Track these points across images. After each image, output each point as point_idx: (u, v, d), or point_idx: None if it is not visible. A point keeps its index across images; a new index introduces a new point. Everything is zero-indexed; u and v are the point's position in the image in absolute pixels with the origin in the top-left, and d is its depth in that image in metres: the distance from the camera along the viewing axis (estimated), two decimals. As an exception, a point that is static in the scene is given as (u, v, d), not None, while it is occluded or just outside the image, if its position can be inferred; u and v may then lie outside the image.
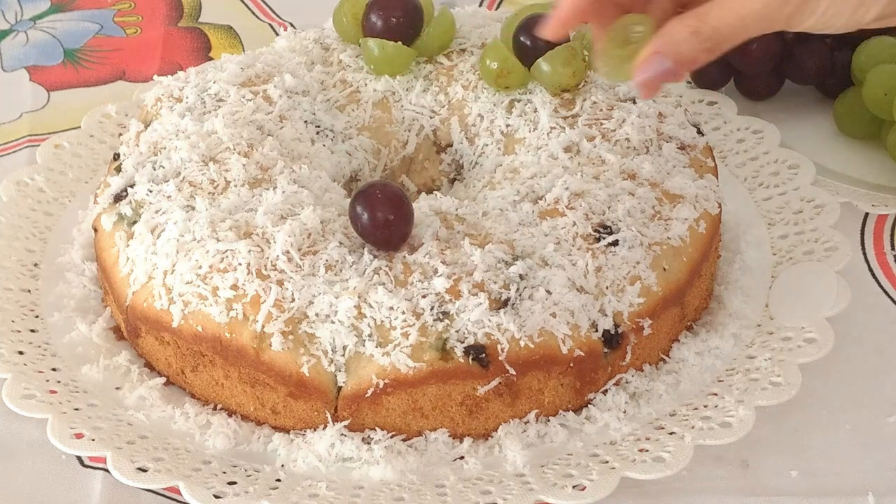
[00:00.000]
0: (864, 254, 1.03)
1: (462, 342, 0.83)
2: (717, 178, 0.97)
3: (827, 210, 1.02)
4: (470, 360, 0.83)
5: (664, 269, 0.89)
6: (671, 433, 0.85)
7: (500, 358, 0.84)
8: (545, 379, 0.86)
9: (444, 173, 1.03)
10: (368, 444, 0.85)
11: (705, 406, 0.88)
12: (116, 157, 1.00)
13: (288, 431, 0.87)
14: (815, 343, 0.91)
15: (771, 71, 1.16)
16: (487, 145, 1.00)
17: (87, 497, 0.85)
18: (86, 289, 0.98)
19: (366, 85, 1.03)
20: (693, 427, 0.85)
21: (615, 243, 0.88)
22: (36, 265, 1.01)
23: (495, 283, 0.85)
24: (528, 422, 0.87)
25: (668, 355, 0.92)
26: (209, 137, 0.96)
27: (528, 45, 0.99)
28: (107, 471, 0.84)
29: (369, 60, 1.03)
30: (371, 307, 0.84)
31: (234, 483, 0.83)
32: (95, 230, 0.97)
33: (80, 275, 0.99)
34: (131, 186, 0.94)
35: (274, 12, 1.35)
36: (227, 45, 1.30)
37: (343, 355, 0.84)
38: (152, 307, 0.89)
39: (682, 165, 0.95)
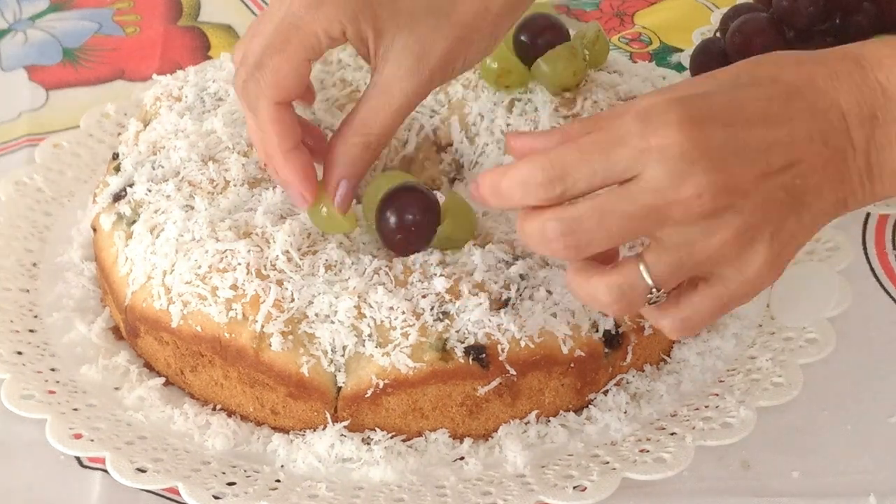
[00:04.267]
0: (866, 254, 1.03)
1: (462, 342, 0.83)
2: (718, 177, 0.97)
3: (828, 210, 1.02)
4: (470, 360, 0.83)
5: (665, 268, 0.89)
6: (672, 434, 0.85)
7: (500, 358, 0.83)
8: (546, 379, 0.86)
9: (444, 173, 1.03)
10: (368, 444, 0.85)
11: (706, 406, 0.87)
12: (115, 156, 0.99)
13: (287, 432, 0.87)
14: (816, 343, 0.91)
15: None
16: (488, 144, 0.99)
17: (86, 497, 0.85)
18: (85, 289, 0.98)
19: (365, 84, 1.03)
20: (694, 428, 0.85)
21: (616, 243, 0.88)
22: (35, 265, 1.00)
23: (496, 283, 0.84)
24: (528, 422, 0.87)
25: (669, 356, 0.92)
26: (208, 137, 0.95)
27: (528, 45, 0.99)
28: (106, 471, 0.84)
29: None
30: (371, 307, 0.84)
31: (234, 484, 0.83)
32: (94, 230, 0.96)
33: (78, 275, 0.99)
34: (130, 186, 0.94)
35: (273, 11, 1.35)
36: (226, 45, 1.29)
37: (343, 355, 0.84)
38: (151, 307, 0.88)
39: (683, 165, 0.94)
